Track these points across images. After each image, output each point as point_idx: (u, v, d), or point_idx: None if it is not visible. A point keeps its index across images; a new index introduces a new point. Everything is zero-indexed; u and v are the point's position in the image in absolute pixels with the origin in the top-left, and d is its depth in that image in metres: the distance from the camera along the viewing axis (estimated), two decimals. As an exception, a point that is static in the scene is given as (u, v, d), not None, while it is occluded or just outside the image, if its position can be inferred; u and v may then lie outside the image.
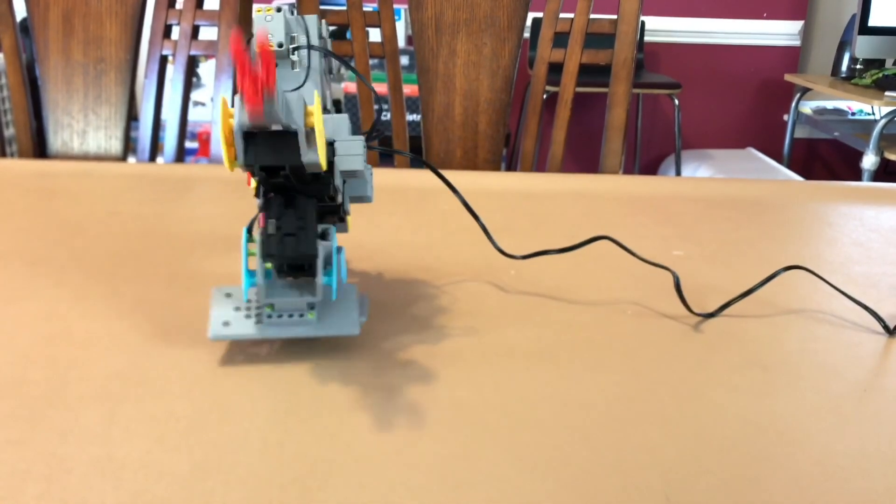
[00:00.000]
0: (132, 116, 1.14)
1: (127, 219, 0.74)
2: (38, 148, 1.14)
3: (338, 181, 0.47)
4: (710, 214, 0.80)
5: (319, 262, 0.46)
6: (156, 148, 1.12)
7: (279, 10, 0.43)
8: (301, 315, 0.48)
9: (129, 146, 1.13)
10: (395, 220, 0.74)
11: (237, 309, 0.48)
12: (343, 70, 0.52)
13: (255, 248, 0.46)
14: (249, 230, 0.46)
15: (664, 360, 0.49)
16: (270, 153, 0.41)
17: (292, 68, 0.45)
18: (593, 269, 0.64)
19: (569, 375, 0.47)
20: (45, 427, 0.41)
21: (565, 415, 0.43)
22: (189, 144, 2.28)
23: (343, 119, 0.47)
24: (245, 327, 0.47)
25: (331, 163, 0.46)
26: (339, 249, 0.49)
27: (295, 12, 0.46)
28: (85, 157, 1.11)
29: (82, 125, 1.11)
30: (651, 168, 3.10)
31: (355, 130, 0.51)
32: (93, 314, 0.54)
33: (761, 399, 0.45)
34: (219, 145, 1.09)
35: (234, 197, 0.83)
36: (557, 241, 0.70)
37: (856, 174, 2.30)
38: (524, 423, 0.42)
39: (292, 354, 0.49)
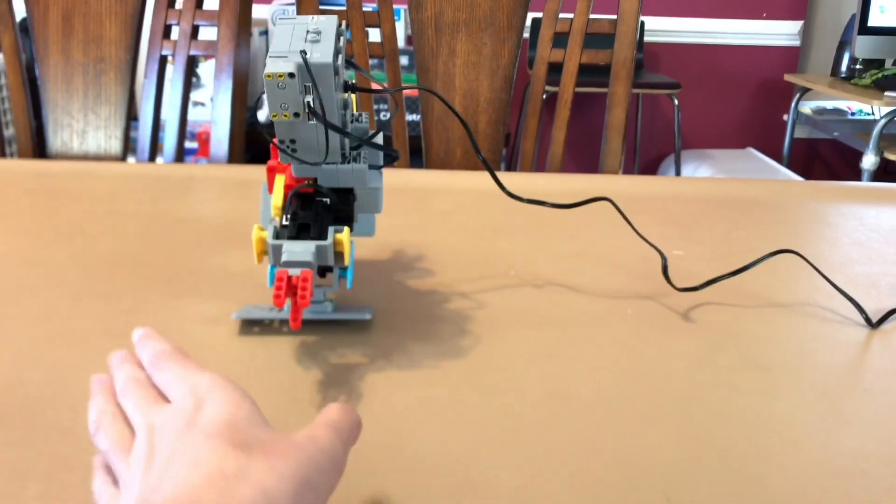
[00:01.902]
0: (132, 116, 1.14)
1: (127, 219, 0.74)
2: (38, 148, 1.14)
3: (357, 216, 0.51)
4: (710, 214, 0.80)
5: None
6: (155, 148, 1.12)
7: (292, 75, 0.42)
8: (319, 303, 0.52)
9: (129, 146, 1.13)
10: (395, 220, 0.74)
11: (261, 309, 0.53)
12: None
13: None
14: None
15: (664, 359, 0.49)
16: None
17: (308, 120, 0.44)
18: (593, 269, 0.64)
19: (569, 375, 0.47)
20: (45, 427, 0.41)
21: (565, 415, 0.43)
22: (189, 144, 2.27)
23: (362, 170, 0.48)
24: (267, 312, 0.53)
25: (352, 204, 0.49)
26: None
27: (308, 58, 0.43)
28: (85, 157, 1.11)
29: (82, 125, 1.11)
30: (651, 168, 3.10)
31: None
32: (93, 314, 0.54)
33: (761, 399, 0.45)
34: (219, 145, 1.09)
35: (234, 196, 0.83)
36: (557, 240, 0.70)
37: (855, 174, 2.30)
38: (524, 423, 0.42)
39: (291, 360, 0.49)
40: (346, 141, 0.47)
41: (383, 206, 0.52)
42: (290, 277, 0.42)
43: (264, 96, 0.43)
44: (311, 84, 0.43)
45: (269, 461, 0.27)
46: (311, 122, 0.44)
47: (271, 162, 0.49)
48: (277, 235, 0.46)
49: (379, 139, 0.50)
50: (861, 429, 0.42)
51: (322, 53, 0.43)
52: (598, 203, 0.67)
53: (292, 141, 0.45)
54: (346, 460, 0.31)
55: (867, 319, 0.55)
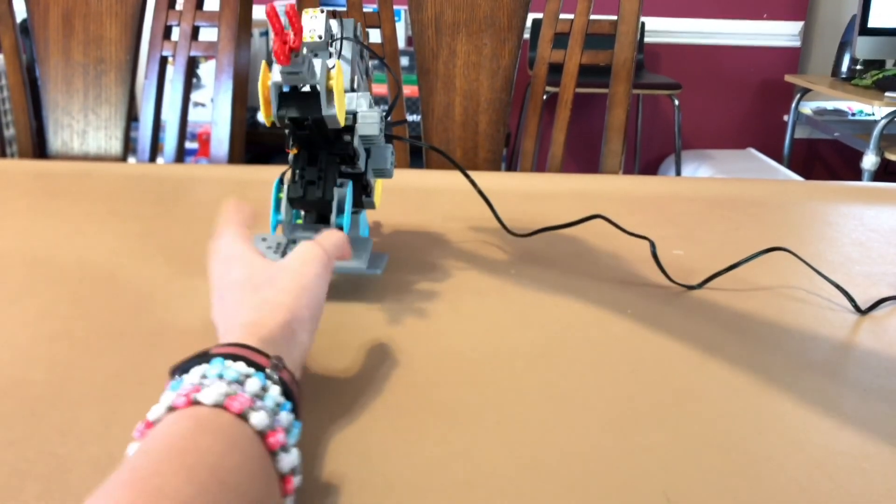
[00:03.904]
0: (132, 117, 1.14)
1: (127, 219, 0.74)
2: (39, 148, 1.14)
3: (357, 143, 0.56)
4: (710, 214, 0.80)
5: (334, 204, 0.55)
6: (156, 148, 1.12)
7: (322, 11, 0.50)
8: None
9: (129, 146, 1.13)
10: (395, 220, 0.74)
11: (269, 247, 0.56)
12: (373, 71, 0.62)
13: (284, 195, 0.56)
14: (281, 181, 0.56)
15: (664, 359, 0.49)
16: (297, 108, 0.51)
17: (329, 57, 0.52)
18: (593, 270, 0.64)
19: (569, 375, 0.47)
20: (45, 427, 0.41)
21: (565, 415, 0.43)
22: (189, 145, 2.27)
23: (365, 95, 0.57)
24: (273, 258, 0.56)
25: (353, 128, 0.55)
26: (359, 211, 0.61)
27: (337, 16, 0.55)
28: (85, 158, 1.11)
29: (82, 125, 1.11)
30: (651, 168, 3.10)
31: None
32: (93, 314, 0.54)
33: (762, 398, 0.45)
34: (219, 145, 1.09)
35: (235, 197, 0.82)
36: (556, 241, 0.70)
37: (856, 174, 2.30)
38: (524, 423, 0.42)
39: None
40: (367, 95, 0.57)
41: (393, 173, 0.61)
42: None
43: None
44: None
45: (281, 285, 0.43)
46: (332, 58, 0.53)
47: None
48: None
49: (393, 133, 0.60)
50: (861, 429, 0.42)
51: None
52: (595, 205, 0.67)
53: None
54: (332, 267, 0.46)
55: (856, 307, 0.57)
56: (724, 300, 0.59)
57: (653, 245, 0.63)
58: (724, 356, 0.50)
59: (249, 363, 0.35)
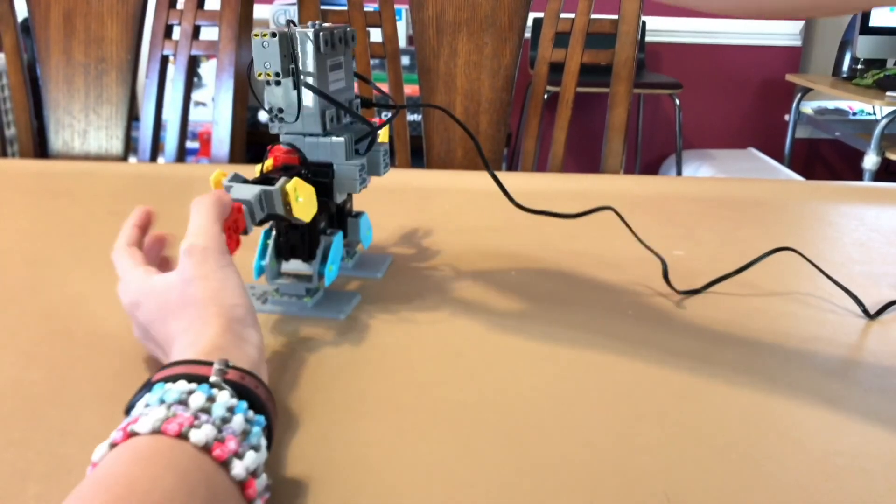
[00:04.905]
0: (133, 116, 1.14)
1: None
2: (39, 148, 1.14)
3: (339, 199, 0.54)
4: (711, 214, 0.79)
5: (319, 252, 0.53)
6: (157, 148, 1.12)
7: (274, 35, 0.48)
8: (299, 298, 0.55)
9: (130, 146, 1.13)
10: (396, 220, 0.74)
11: (253, 295, 0.55)
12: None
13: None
14: (271, 229, 0.55)
15: (664, 359, 0.49)
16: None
17: (296, 82, 0.50)
18: (593, 270, 0.64)
19: (569, 375, 0.47)
20: (45, 427, 0.41)
21: (565, 415, 0.43)
22: (190, 144, 2.27)
23: (339, 144, 0.52)
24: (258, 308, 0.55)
25: (331, 186, 0.53)
26: (360, 214, 0.59)
27: (296, 23, 0.51)
28: (86, 157, 1.11)
29: (83, 125, 1.11)
30: (652, 168, 3.10)
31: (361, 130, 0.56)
32: (93, 314, 0.54)
33: (761, 399, 0.45)
34: (220, 145, 1.09)
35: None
36: (558, 241, 0.70)
37: (857, 174, 2.29)
38: (524, 423, 0.42)
39: (287, 361, 0.49)
40: (329, 115, 0.52)
41: (361, 188, 0.55)
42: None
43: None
44: (292, 51, 0.50)
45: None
46: (294, 90, 0.50)
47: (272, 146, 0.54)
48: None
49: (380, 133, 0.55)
50: (861, 429, 0.42)
51: (303, 29, 0.50)
52: (600, 202, 0.67)
53: (280, 110, 0.51)
54: (225, 248, 0.45)
55: (865, 311, 0.56)
56: (726, 302, 0.58)
57: (664, 265, 0.61)
58: (724, 357, 0.50)
59: (190, 379, 0.35)
